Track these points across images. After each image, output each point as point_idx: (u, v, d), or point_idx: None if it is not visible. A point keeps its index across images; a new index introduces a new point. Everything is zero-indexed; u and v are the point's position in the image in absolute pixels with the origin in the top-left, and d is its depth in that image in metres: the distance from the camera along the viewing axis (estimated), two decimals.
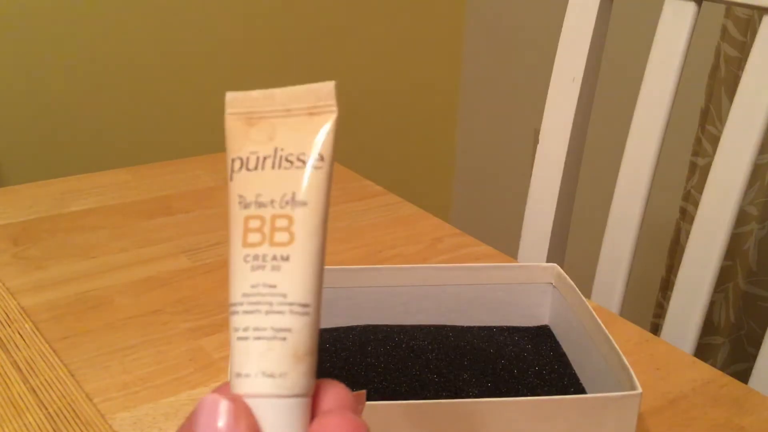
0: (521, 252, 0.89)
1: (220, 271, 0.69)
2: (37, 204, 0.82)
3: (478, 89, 2.08)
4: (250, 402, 0.24)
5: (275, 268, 0.24)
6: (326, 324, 0.58)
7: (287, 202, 0.25)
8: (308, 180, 0.25)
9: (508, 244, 1.03)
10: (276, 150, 0.26)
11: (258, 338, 0.24)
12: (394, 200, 0.86)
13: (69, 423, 0.49)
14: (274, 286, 0.24)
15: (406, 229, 0.79)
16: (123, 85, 1.63)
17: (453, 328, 0.59)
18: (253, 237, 0.25)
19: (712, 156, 1.17)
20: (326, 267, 0.58)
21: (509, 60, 1.95)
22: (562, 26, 0.83)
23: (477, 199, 2.16)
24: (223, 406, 0.23)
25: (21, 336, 0.58)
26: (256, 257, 0.25)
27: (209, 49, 1.71)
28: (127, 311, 0.63)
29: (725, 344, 1.34)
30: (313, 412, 0.25)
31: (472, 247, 0.76)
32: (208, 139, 1.77)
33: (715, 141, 1.26)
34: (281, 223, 0.25)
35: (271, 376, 0.24)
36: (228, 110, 0.26)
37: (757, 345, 0.70)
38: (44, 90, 1.54)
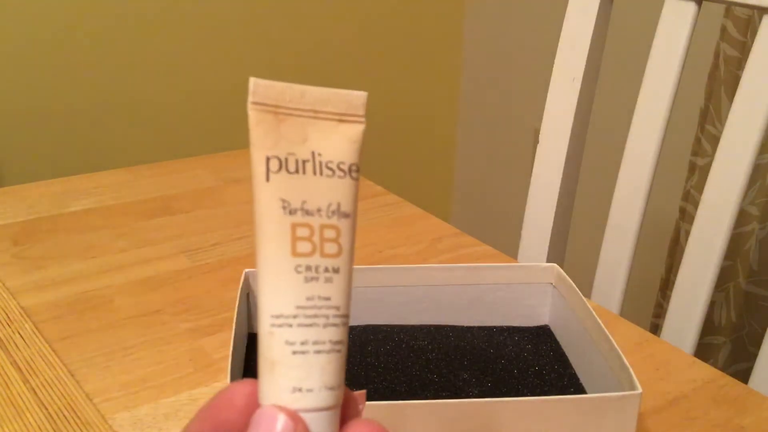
0: (521, 252, 0.89)
1: (220, 271, 0.69)
2: (37, 204, 0.82)
3: (478, 89, 2.08)
4: (305, 416, 0.24)
5: (328, 280, 0.24)
6: None
7: (333, 212, 0.25)
8: (350, 191, 0.25)
9: (508, 244, 1.03)
10: (314, 154, 0.25)
11: (318, 352, 0.24)
12: (394, 200, 0.86)
13: (69, 423, 0.49)
14: (328, 299, 0.24)
15: (406, 229, 0.79)
16: (123, 85, 1.63)
17: (453, 328, 0.59)
18: (303, 246, 0.24)
19: (712, 156, 1.17)
20: None
21: (509, 60, 1.95)
22: (562, 26, 0.83)
23: (477, 199, 2.16)
24: (282, 421, 0.23)
25: (21, 336, 0.58)
26: (308, 268, 0.24)
27: (209, 50, 1.71)
28: (127, 311, 0.63)
29: (726, 344, 1.34)
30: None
31: (472, 247, 0.76)
32: (208, 139, 1.77)
33: (715, 141, 1.26)
34: (329, 233, 0.25)
35: (332, 389, 0.24)
36: (252, 98, 0.25)
37: (759, 345, 0.70)
38: (44, 90, 1.54)
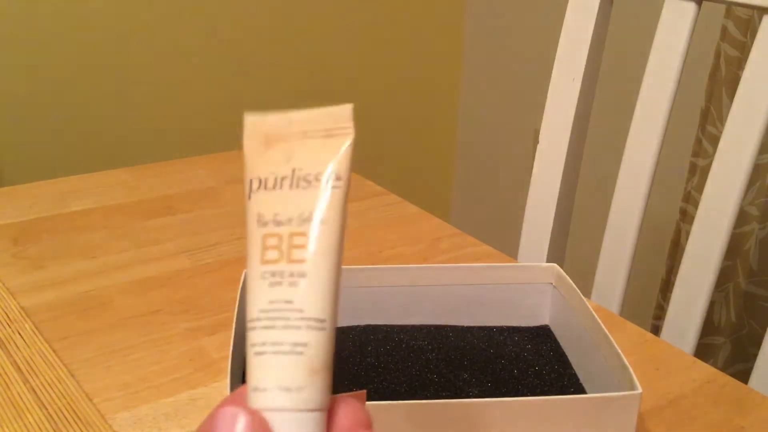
0: (521, 252, 0.89)
1: (220, 271, 0.69)
2: (37, 204, 0.82)
3: (478, 89, 2.08)
4: (267, 416, 0.24)
5: (292, 284, 0.25)
6: None
7: (305, 220, 0.25)
8: (325, 198, 0.25)
9: (508, 244, 1.03)
10: (294, 170, 0.26)
11: (275, 353, 0.24)
12: (394, 200, 0.86)
13: (69, 423, 0.49)
14: (291, 302, 0.25)
15: (406, 229, 0.79)
16: (123, 85, 1.63)
17: (453, 328, 0.59)
18: (271, 254, 0.25)
19: (712, 156, 1.17)
20: None
21: (509, 60, 1.95)
22: (562, 26, 0.83)
23: (477, 199, 2.16)
24: (242, 420, 0.24)
25: (21, 336, 0.58)
26: (273, 274, 0.25)
27: (209, 49, 1.71)
28: (127, 311, 0.63)
29: (726, 344, 1.34)
30: (328, 427, 0.25)
31: (472, 247, 0.76)
32: (208, 139, 1.77)
33: (715, 141, 1.26)
34: (299, 240, 0.25)
35: (288, 390, 0.24)
36: (246, 133, 0.27)
37: (759, 345, 0.70)
38: (44, 90, 1.54)
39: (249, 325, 0.25)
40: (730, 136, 0.70)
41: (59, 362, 0.55)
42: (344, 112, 0.26)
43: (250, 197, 0.26)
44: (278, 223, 0.26)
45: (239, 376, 0.51)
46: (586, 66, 0.81)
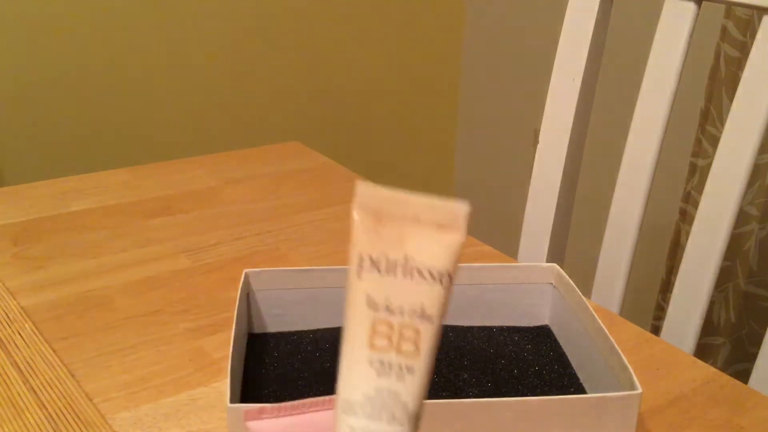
0: (521, 252, 0.89)
1: (220, 271, 0.69)
2: (37, 204, 0.82)
3: (478, 89, 2.08)
4: None
5: (400, 378, 0.26)
6: (326, 324, 0.58)
7: (417, 315, 0.26)
8: (436, 297, 0.26)
9: (508, 244, 1.03)
10: (407, 258, 0.26)
11: None
12: None
13: (69, 423, 0.49)
14: (398, 395, 0.25)
15: None
16: (123, 85, 1.63)
17: (453, 328, 0.59)
18: (380, 341, 0.26)
19: (712, 156, 1.17)
20: (326, 267, 0.58)
21: (509, 60, 1.95)
22: (562, 26, 0.83)
23: (477, 199, 2.16)
24: None
25: (21, 336, 0.59)
26: (382, 363, 0.26)
27: (209, 49, 1.71)
28: (127, 311, 0.63)
29: (726, 344, 1.34)
30: None
31: (472, 247, 0.76)
32: (208, 139, 1.77)
33: (715, 141, 1.26)
34: (409, 333, 0.26)
35: None
36: (357, 200, 0.27)
37: (758, 345, 0.70)
38: (44, 90, 1.54)
39: (347, 406, 0.26)
40: (730, 136, 0.70)
41: (59, 362, 0.56)
42: (460, 210, 0.27)
43: (360, 276, 0.26)
44: (390, 312, 0.26)
45: (239, 376, 0.51)
46: (586, 66, 0.81)
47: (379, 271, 0.26)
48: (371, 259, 0.26)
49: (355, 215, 0.27)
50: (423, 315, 0.26)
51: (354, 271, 0.26)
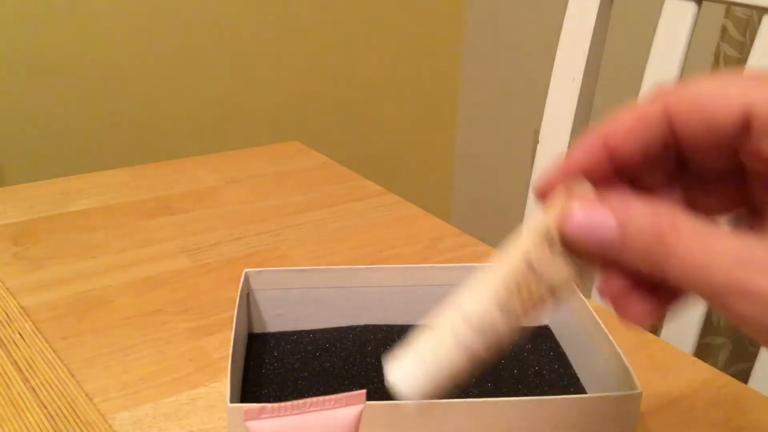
0: None
1: (220, 271, 0.69)
2: (37, 204, 0.82)
3: (478, 89, 2.08)
4: None
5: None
6: (326, 324, 0.58)
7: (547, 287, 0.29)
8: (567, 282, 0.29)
9: None
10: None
11: None
12: (394, 200, 0.86)
13: (69, 423, 0.49)
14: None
15: (406, 229, 0.79)
16: (123, 85, 1.63)
17: None
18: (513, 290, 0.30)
19: None
20: (326, 267, 0.58)
21: (509, 60, 1.95)
22: (562, 26, 0.83)
23: (477, 199, 2.16)
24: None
25: (21, 336, 0.59)
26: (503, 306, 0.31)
27: (209, 49, 1.71)
28: (127, 311, 0.63)
29: (726, 344, 1.34)
30: None
31: (472, 247, 0.76)
32: (208, 139, 1.77)
33: None
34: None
35: None
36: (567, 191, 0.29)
37: (759, 345, 0.70)
38: (44, 90, 1.54)
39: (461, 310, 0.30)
40: None
41: (59, 362, 0.56)
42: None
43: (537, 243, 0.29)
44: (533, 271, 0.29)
45: (239, 376, 0.51)
46: (586, 66, 0.81)
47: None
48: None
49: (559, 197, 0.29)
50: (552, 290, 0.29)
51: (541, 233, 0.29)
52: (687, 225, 0.25)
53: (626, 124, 0.27)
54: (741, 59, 1.20)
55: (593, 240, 0.27)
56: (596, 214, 0.27)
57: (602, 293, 0.29)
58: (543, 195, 0.29)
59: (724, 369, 1.32)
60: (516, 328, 0.30)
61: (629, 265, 0.27)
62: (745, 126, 0.25)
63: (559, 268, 0.28)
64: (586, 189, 0.28)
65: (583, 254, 0.28)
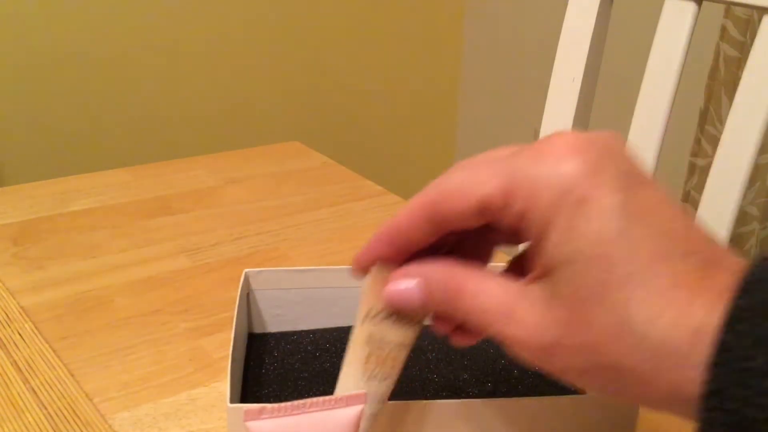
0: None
1: (220, 271, 0.69)
2: (37, 204, 0.82)
3: (478, 89, 2.08)
4: None
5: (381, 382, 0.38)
6: (326, 324, 0.58)
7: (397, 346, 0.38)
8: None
9: None
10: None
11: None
12: (394, 200, 0.86)
13: (69, 423, 0.49)
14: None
15: None
16: (123, 85, 1.63)
17: None
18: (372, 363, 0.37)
19: (711, 157, 1.17)
20: (326, 267, 0.58)
21: (509, 60, 1.95)
22: (562, 26, 0.83)
23: None
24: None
25: (21, 336, 0.59)
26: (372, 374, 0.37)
27: (210, 49, 1.71)
28: (127, 311, 0.63)
29: None
30: None
31: None
32: (208, 139, 1.77)
33: (714, 141, 1.26)
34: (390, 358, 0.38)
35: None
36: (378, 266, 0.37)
37: None
38: (44, 90, 1.54)
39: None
40: (730, 136, 0.70)
41: (59, 362, 0.56)
42: None
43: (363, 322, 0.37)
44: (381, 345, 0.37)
45: (239, 376, 0.51)
46: (586, 66, 0.81)
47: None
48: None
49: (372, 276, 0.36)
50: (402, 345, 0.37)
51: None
52: (468, 272, 0.33)
53: (402, 224, 0.34)
54: (741, 59, 1.20)
55: (405, 302, 0.34)
56: (400, 284, 0.34)
57: (436, 332, 0.37)
58: (360, 271, 0.37)
59: None
60: (397, 376, 0.37)
61: (438, 313, 0.35)
62: (483, 210, 0.31)
63: (395, 330, 0.36)
64: (390, 268, 0.35)
65: (407, 313, 0.36)
